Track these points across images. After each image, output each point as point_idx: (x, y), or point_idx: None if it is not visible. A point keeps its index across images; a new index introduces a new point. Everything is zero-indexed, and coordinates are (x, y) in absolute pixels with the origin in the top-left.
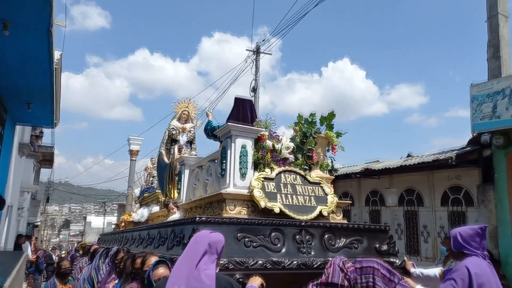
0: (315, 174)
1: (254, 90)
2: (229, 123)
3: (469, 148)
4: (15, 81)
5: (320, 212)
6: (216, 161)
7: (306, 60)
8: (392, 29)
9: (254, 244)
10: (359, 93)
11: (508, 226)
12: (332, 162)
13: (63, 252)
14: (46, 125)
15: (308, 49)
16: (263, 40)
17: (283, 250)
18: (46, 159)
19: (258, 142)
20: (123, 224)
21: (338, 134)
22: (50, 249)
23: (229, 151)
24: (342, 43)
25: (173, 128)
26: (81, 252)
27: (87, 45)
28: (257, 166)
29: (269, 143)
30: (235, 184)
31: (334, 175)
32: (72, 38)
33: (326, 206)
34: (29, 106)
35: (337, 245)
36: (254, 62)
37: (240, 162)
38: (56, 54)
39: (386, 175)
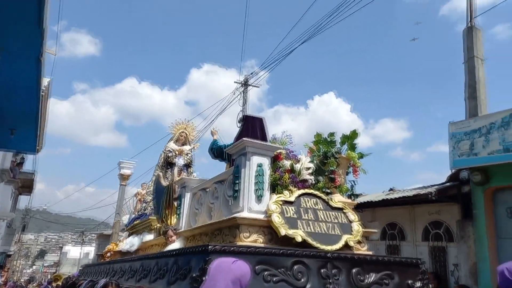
0: (337, 199)
1: (241, 121)
2: (244, 139)
3: (448, 184)
4: (1, 106)
5: (346, 242)
6: (224, 182)
7: (293, 93)
8: (376, 66)
9: (275, 279)
10: (345, 126)
11: (487, 263)
12: (352, 186)
13: (35, 284)
14: (29, 151)
15: (294, 82)
16: (251, 73)
17: (308, 286)
18: (25, 185)
19: (275, 161)
20: (109, 254)
21: (361, 156)
22: (23, 281)
23: (243, 170)
24: (327, 77)
25: (169, 150)
26: (54, 284)
27: (75, 72)
28: (274, 188)
29: (286, 163)
30: (250, 208)
31: (355, 201)
32: (61, 64)
33: (352, 235)
34: (12, 132)
35: (366, 281)
36: (242, 94)
37: (256, 183)
38: (45, 81)
39: (369, 209)
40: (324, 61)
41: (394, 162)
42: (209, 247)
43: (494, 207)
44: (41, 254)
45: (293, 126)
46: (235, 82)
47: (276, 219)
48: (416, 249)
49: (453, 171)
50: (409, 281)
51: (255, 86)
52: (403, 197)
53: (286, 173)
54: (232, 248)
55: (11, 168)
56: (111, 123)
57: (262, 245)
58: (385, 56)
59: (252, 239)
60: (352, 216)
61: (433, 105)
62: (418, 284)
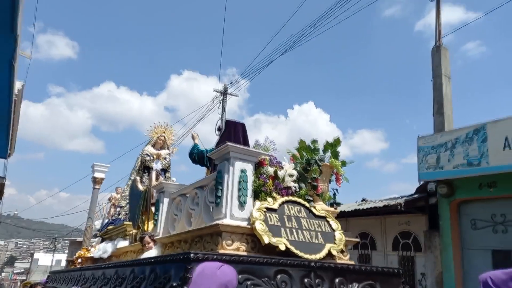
0: (320, 207)
1: (220, 129)
2: (228, 144)
3: (417, 196)
4: None
5: (329, 251)
6: (205, 188)
7: (273, 102)
8: (354, 79)
9: None
10: (324, 136)
11: (452, 272)
12: (335, 194)
13: None
14: None
15: (274, 92)
16: (231, 83)
17: None
18: None
19: (258, 167)
20: (79, 260)
21: (344, 164)
22: None
23: (226, 176)
24: (307, 88)
25: (147, 154)
26: None
27: (50, 74)
28: (257, 194)
29: (270, 169)
30: (232, 215)
31: (337, 209)
32: (36, 66)
33: (335, 244)
34: None
35: None
36: (221, 103)
37: (239, 189)
38: (18, 85)
39: (342, 218)
40: (303, 71)
41: (371, 173)
42: (191, 255)
43: (459, 218)
44: (11, 260)
45: (274, 134)
46: (214, 90)
47: (260, 226)
48: (387, 259)
49: (421, 183)
50: None
51: (233, 95)
52: (373, 208)
53: (270, 180)
54: (215, 256)
55: None
56: (88, 128)
57: (245, 253)
58: (363, 69)
59: (235, 247)
60: (335, 224)
61: (409, 117)
62: None
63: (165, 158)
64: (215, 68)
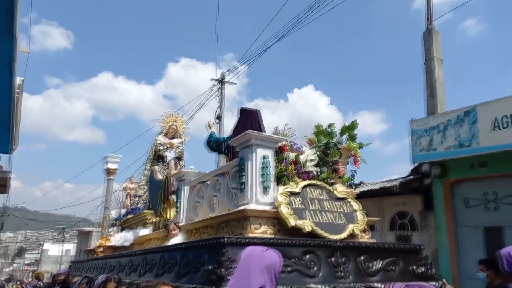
0: (340, 189)
1: (219, 117)
2: (249, 132)
3: (412, 177)
4: None
5: (352, 230)
6: (226, 175)
7: (272, 86)
8: (353, 61)
9: (289, 269)
10: (324, 119)
11: (446, 249)
12: (353, 175)
13: (15, 283)
14: (3, 152)
15: (273, 76)
16: (228, 70)
17: (320, 274)
18: (1, 184)
19: (279, 153)
20: (101, 249)
21: (361, 146)
22: (3, 279)
23: (248, 163)
24: (306, 71)
25: (160, 143)
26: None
27: (47, 66)
28: (279, 179)
29: (291, 154)
30: (257, 200)
31: (356, 190)
32: (32, 58)
33: (357, 224)
34: None
35: (373, 268)
36: (219, 91)
37: (262, 175)
38: (18, 80)
39: None
40: (301, 55)
41: (372, 154)
42: (225, 239)
43: (452, 198)
44: (21, 252)
45: (274, 119)
46: (212, 79)
47: (285, 210)
48: (385, 238)
49: (415, 165)
50: (413, 267)
51: (231, 83)
52: (370, 190)
53: (292, 165)
54: (246, 240)
55: None
56: (87, 119)
57: (272, 236)
58: (362, 50)
59: (262, 230)
60: (356, 205)
61: (410, 98)
62: (421, 269)
63: (177, 147)
64: (212, 54)
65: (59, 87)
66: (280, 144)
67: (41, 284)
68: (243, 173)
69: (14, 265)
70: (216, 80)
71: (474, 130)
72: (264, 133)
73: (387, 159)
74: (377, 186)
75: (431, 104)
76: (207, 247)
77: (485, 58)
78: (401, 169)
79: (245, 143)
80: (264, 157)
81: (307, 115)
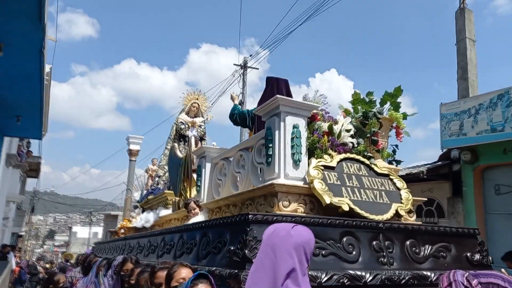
0: (381, 164)
1: (241, 103)
2: (278, 96)
3: (440, 163)
4: (5, 96)
5: (396, 211)
6: (251, 149)
7: (294, 71)
8: (378, 44)
9: (324, 252)
10: (348, 104)
11: None
12: (395, 150)
13: (46, 263)
14: (34, 137)
15: (295, 61)
16: (250, 55)
17: (360, 259)
18: (32, 169)
19: (311, 122)
20: (122, 230)
21: (405, 116)
22: (34, 259)
23: (277, 133)
24: (328, 55)
25: (181, 122)
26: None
27: (73, 54)
28: (311, 152)
29: (324, 124)
30: (286, 174)
31: (398, 167)
32: (58, 46)
33: (402, 203)
34: (18, 119)
35: (422, 253)
36: (242, 77)
37: (292, 146)
38: (46, 68)
39: None
40: (324, 39)
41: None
42: (250, 216)
43: (483, 184)
44: (51, 234)
45: None
46: (235, 64)
47: (319, 185)
48: None
49: (444, 150)
50: (467, 254)
51: (254, 68)
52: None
53: (325, 135)
54: (275, 218)
55: (18, 153)
56: (112, 106)
57: (304, 214)
58: (387, 33)
59: (292, 208)
60: (400, 183)
61: (437, 81)
62: (477, 256)
63: (200, 126)
64: (233, 40)
65: (85, 75)
66: (312, 112)
67: (68, 264)
68: (270, 145)
69: (45, 246)
70: (238, 65)
71: (508, 114)
72: (293, 99)
73: (411, 145)
74: (403, 172)
75: (463, 87)
76: (230, 225)
77: None
78: (425, 155)
79: (272, 110)
80: (294, 127)
81: (331, 99)
